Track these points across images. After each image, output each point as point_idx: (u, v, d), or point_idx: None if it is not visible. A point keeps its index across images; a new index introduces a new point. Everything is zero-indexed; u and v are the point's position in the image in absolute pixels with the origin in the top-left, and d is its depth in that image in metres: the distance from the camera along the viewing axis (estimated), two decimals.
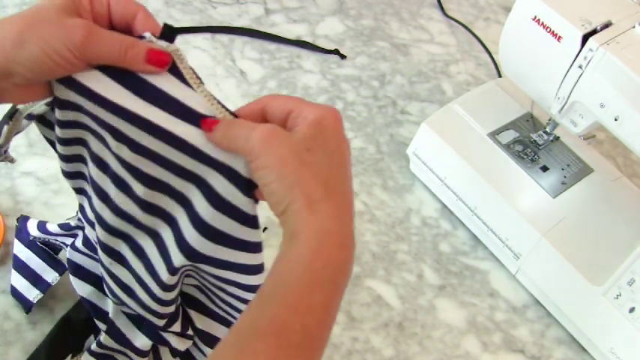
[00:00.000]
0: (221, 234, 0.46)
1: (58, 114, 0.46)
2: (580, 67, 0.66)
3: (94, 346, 0.59)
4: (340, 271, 0.41)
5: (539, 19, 0.68)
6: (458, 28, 1.07)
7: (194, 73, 0.45)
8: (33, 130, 0.80)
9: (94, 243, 0.55)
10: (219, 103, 0.44)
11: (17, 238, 0.68)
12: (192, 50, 0.94)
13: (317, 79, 0.95)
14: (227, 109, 0.44)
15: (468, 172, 0.78)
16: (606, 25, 0.66)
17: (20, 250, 0.67)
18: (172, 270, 0.50)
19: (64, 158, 0.50)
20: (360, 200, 0.83)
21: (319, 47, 0.98)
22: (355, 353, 0.70)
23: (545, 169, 0.79)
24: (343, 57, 0.98)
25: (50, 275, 0.66)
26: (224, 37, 0.97)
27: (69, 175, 0.52)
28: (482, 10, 1.12)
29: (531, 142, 0.81)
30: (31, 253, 0.67)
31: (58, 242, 0.64)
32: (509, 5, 1.11)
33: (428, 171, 0.83)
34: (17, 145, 0.78)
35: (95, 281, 0.59)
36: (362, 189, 0.84)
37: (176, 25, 1.04)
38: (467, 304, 0.76)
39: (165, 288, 0.52)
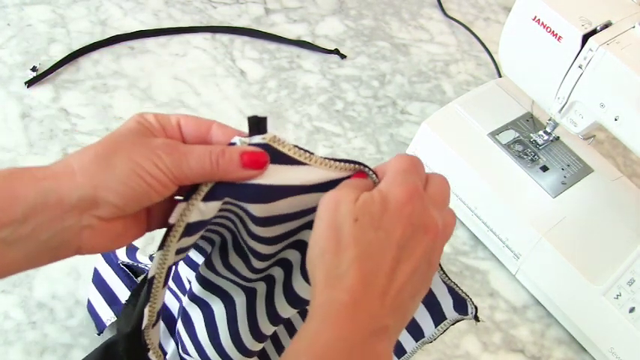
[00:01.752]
0: None
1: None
2: (580, 67, 0.66)
3: None
4: (355, 350, 0.37)
5: (539, 19, 0.68)
6: (458, 28, 1.07)
7: (299, 148, 0.42)
8: (33, 129, 0.81)
9: (185, 281, 0.54)
10: (335, 160, 0.43)
11: (102, 256, 0.67)
12: (192, 50, 0.94)
13: (317, 79, 0.95)
14: (339, 160, 0.43)
15: (468, 172, 0.78)
16: (606, 25, 0.66)
17: (104, 268, 0.66)
18: (259, 337, 0.50)
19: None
20: None
21: (319, 47, 0.98)
22: None
23: (545, 169, 0.79)
24: (343, 57, 0.98)
25: (126, 296, 0.65)
26: (224, 37, 0.97)
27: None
28: (482, 10, 1.11)
29: (531, 142, 0.81)
30: (112, 271, 0.66)
31: (143, 268, 0.64)
32: (509, 5, 1.11)
33: (428, 171, 0.83)
34: (17, 144, 0.78)
35: (167, 319, 0.58)
36: None
37: (176, 25, 1.04)
38: None
39: (247, 353, 0.51)
